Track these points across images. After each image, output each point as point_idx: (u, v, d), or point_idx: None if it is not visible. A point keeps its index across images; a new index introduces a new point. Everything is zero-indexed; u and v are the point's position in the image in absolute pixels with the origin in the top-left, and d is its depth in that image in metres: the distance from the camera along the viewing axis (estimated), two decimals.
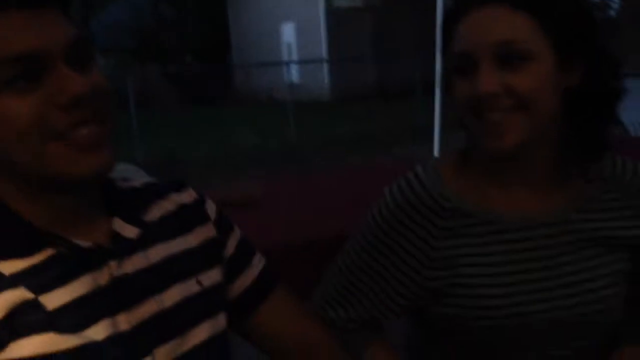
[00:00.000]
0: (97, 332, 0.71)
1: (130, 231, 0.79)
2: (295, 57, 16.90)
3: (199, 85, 16.35)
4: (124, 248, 0.77)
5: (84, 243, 0.73)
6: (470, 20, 0.88)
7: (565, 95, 0.89)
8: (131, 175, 1.51)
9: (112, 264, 0.75)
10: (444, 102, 3.40)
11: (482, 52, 0.86)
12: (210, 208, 0.91)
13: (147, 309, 0.76)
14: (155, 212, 0.84)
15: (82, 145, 0.69)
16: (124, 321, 0.74)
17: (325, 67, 16.17)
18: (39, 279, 0.70)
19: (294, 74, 16.20)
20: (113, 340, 0.72)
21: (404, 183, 0.99)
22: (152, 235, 0.81)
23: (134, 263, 0.77)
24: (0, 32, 0.66)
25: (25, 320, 0.67)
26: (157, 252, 0.81)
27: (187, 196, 0.89)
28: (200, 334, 0.81)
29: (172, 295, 0.79)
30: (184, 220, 0.86)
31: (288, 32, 17.60)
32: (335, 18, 16.09)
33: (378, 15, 16.01)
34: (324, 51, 16.33)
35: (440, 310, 0.98)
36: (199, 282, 0.83)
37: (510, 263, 0.94)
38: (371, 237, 0.99)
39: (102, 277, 0.74)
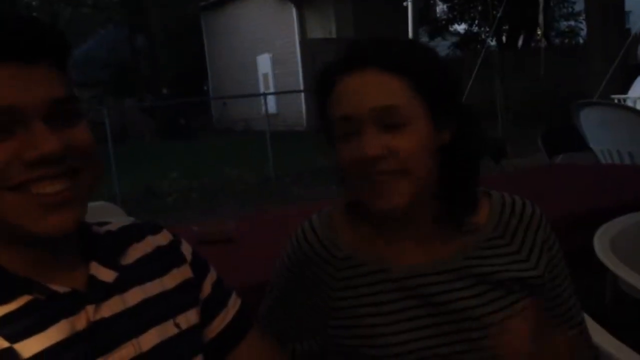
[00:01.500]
0: None
1: (107, 275, 0.79)
2: (271, 87, 17.02)
3: (175, 117, 16.34)
4: (101, 292, 0.78)
5: (61, 288, 0.74)
6: (347, 86, 0.90)
7: (439, 152, 0.93)
8: (109, 214, 1.51)
9: (89, 308, 0.75)
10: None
11: (364, 116, 0.88)
12: (186, 249, 0.92)
13: (125, 353, 0.76)
14: (131, 255, 0.85)
15: (44, 202, 0.69)
16: None
17: (302, 97, 16.29)
18: (15, 327, 0.70)
19: (270, 104, 16.29)
20: None
21: (301, 230, 1.03)
22: (129, 278, 0.82)
23: (112, 307, 0.78)
24: None
25: None
26: (134, 295, 0.81)
27: (162, 238, 0.90)
28: None
29: (150, 339, 0.79)
30: (160, 262, 0.87)
31: (264, 63, 17.74)
32: (310, 49, 16.28)
33: None
34: (300, 81, 16.47)
35: (341, 342, 1.00)
36: (176, 325, 0.83)
37: (407, 309, 0.97)
38: (281, 278, 1.05)
39: (79, 322, 0.74)
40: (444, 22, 19.03)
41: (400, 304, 0.97)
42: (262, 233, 2.12)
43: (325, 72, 0.94)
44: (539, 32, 11.61)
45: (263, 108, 11.03)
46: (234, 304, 0.94)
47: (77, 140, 0.71)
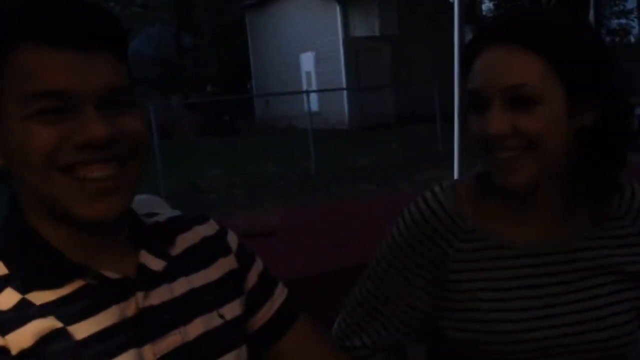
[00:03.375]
0: None
1: (156, 264, 0.81)
2: (314, 86, 17.05)
3: (219, 114, 16.55)
4: (150, 280, 0.79)
5: (112, 275, 0.76)
6: (485, 59, 0.90)
7: (578, 135, 0.91)
8: (154, 207, 1.55)
9: (139, 295, 0.77)
10: (463, 129, 3.41)
11: (494, 93, 0.88)
12: (232, 240, 0.93)
13: (171, 341, 0.78)
14: (179, 246, 0.87)
15: (91, 187, 0.71)
16: (150, 352, 0.76)
17: (344, 96, 16.27)
18: (68, 309, 0.72)
19: (313, 102, 16.32)
20: None
21: (422, 201, 1.00)
22: (176, 268, 0.83)
23: (160, 295, 0.79)
24: (44, 66, 0.69)
25: (55, 349, 0.70)
26: (182, 285, 0.83)
27: (209, 228, 0.92)
28: None
29: (196, 328, 0.81)
30: (206, 252, 0.89)
31: (307, 61, 17.79)
32: (354, 47, 16.23)
33: (396, 44, 16.12)
34: (342, 80, 16.46)
35: (454, 335, 0.98)
36: (221, 315, 0.85)
37: (523, 288, 0.95)
38: (390, 256, 1.01)
39: (129, 308, 0.76)
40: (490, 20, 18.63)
41: (517, 281, 0.95)
42: (306, 227, 2.13)
43: (471, 42, 0.93)
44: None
45: (305, 106, 11.07)
46: (279, 294, 0.95)
47: (128, 128, 0.73)
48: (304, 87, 17.00)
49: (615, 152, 0.93)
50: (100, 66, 0.71)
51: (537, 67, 0.87)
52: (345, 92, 16.09)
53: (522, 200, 0.96)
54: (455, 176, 3.44)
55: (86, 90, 0.70)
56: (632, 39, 16.05)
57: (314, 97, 16.40)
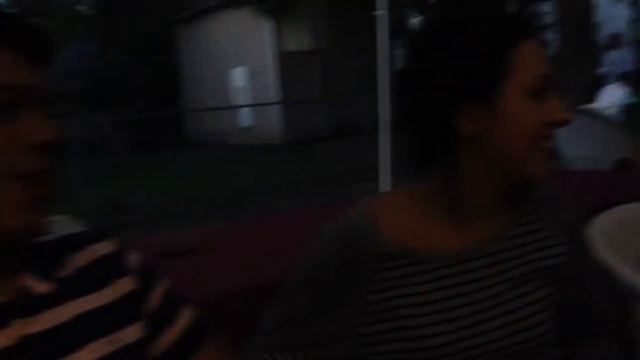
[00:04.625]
0: None
1: (40, 287, 0.74)
2: (246, 100, 16.97)
3: (148, 131, 16.17)
4: (32, 305, 0.73)
5: None
6: (531, 48, 0.89)
7: None
8: (68, 228, 1.45)
9: (18, 322, 0.70)
10: (394, 139, 3.44)
11: (550, 80, 0.89)
12: (132, 259, 0.87)
13: None
14: (70, 266, 0.80)
15: (26, 198, 0.68)
16: None
17: (277, 110, 16.27)
18: None
19: (245, 117, 16.22)
20: None
21: (337, 226, 0.97)
22: (65, 291, 0.77)
23: (44, 321, 0.73)
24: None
25: None
26: (70, 309, 0.76)
27: (106, 246, 0.85)
28: None
29: (87, 356, 0.74)
30: (101, 273, 0.82)
31: (239, 76, 17.71)
32: (285, 61, 16.28)
33: (327, 58, 16.29)
34: (275, 94, 16.46)
35: (384, 353, 0.95)
36: (115, 340, 0.78)
37: (448, 299, 0.94)
38: (307, 279, 0.98)
39: (7, 337, 0.69)
40: None
41: (441, 293, 0.94)
42: (232, 243, 2.06)
43: (503, 34, 0.90)
44: None
45: (237, 121, 10.98)
46: (186, 316, 0.90)
47: (56, 136, 0.72)
48: (236, 102, 16.90)
49: None
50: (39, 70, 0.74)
51: None
52: (277, 106, 16.09)
53: (467, 205, 0.95)
54: (382, 186, 3.45)
55: (37, 88, 0.72)
56: (552, 52, 16.83)
57: (246, 112, 16.34)
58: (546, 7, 10.65)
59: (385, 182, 3.27)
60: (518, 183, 0.95)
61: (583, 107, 7.98)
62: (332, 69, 16.20)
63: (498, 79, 0.87)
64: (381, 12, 3.17)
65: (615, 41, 8.81)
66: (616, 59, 8.36)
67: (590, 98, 8.19)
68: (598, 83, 8.61)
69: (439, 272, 0.95)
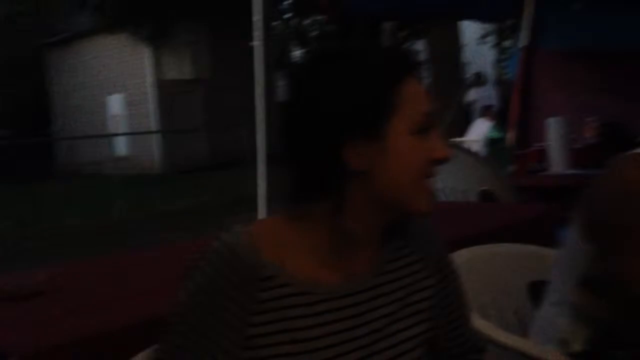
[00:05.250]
0: None
1: None
2: (123, 129, 16.36)
3: (12, 160, 15.08)
4: None
5: None
6: (415, 86, 0.90)
7: None
8: None
9: None
10: (272, 171, 3.38)
11: (434, 117, 0.90)
12: None
13: None
14: None
15: None
16: None
17: (156, 139, 15.82)
18: None
19: (121, 146, 15.60)
20: None
21: (214, 252, 0.90)
22: None
23: None
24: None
25: None
26: None
27: None
28: None
29: None
30: None
31: (115, 103, 17.08)
32: (164, 90, 15.94)
33: (208, 87, 16.14)
34: (153, 123, 16.01)
35: None
36: None
37: (331, 335, 0.91)
38: (185, 316, 0.91)
39: None
40: None
41: (323, 329, 0.90)
42: (85, 283, 1.88)
43: (387, 71, 0.90)
44: None
45: (113, 150, 10.53)
46: None
47: None
48: (112, 131, 16.25)
49: None
50: None
51: None
52: (156, 135, 15.65)
53: (350, 238, 0.92)
54: (260, 216, 3.38)
55: None
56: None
57: (122, 141, 15.73)
58: (418, 46, 11.27)
59: (263, 214, 3.19)
60: (400, 217, 0.94)
61: (452, 140, 8.45)
62: (213, 99, 16.07)
63: (384, 114, 0.87)
64: (258, 43, 3.11)
65: (479, 79, 9.47)
66: (480, 96, 8.98)
67: (460, 132, 8.68)
68: (466, 118, 9.15)
69: (320, 305, 0.90)
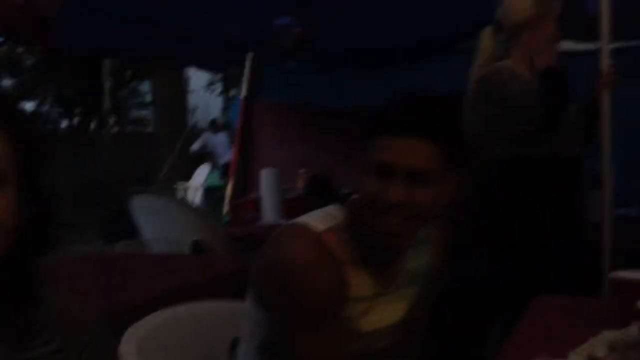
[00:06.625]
0: None
1: None
2: None
3: None
4: None
5: None
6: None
7: None
8: None
9: None
10: None
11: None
12: None
13: None
14: None
15: None
16: None
17: None
18: None
19: None
20: None
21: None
22: None
23: None
24: None
25: None
26: None
27: None
28: None
29: None
30: None
31: None
32: None
33: None
34: None
35: None
36: None
37: None
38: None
39: None
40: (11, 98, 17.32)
41: None
42: None
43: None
44: (111, 119, 11.74)
45: None
46: None
47: None
48: None
49: None
50: None
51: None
52: None
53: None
54: None
55: None
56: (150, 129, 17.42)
57: None
58: (144, 87, 10.99)
59: None
60: None
61: (177, 185, 8.31)
62: None
63: None
64: None
65: (214, 125, 9.57)
66: (214, 142, 9.02)
67: (185, 177, 8.58)
68: (192, 163, 9.11)
69: None
